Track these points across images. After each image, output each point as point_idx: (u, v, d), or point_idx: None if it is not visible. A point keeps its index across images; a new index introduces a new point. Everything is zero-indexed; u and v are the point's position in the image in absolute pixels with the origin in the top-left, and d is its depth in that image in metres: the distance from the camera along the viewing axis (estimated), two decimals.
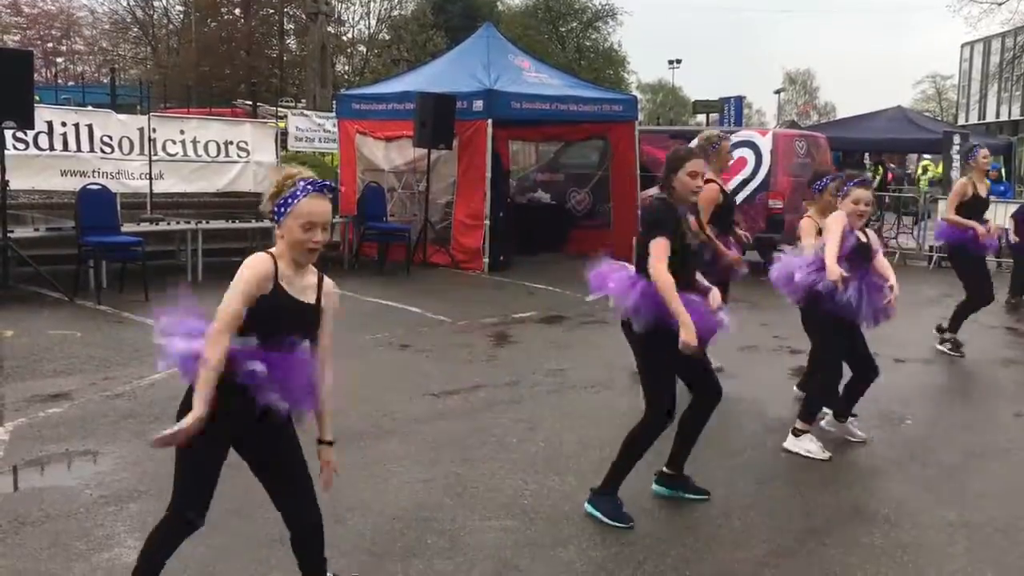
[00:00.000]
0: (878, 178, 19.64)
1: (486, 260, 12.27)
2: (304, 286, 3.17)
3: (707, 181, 6.82)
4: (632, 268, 4.38)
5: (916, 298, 11.26)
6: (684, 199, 4.37)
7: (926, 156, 22.02)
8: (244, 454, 3.24)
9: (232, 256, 12.62)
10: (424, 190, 12.60)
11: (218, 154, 12.54)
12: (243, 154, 12.71)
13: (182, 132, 12.23)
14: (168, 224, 11.04)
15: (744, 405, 6.29)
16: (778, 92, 57.73)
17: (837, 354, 5.40)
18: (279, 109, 16.55)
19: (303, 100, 21.74)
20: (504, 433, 5.59)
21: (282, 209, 3.08)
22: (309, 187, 3.09)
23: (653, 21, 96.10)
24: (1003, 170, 18.73)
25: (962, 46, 47.71)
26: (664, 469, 4.64)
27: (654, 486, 4.65)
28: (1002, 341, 8.13)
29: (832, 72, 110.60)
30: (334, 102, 15.42)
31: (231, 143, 12.63)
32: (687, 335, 4.04)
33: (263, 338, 3.04)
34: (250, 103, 18.08)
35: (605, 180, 14.60)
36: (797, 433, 5.37)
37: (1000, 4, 31.71)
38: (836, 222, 5.22)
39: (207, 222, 11.35)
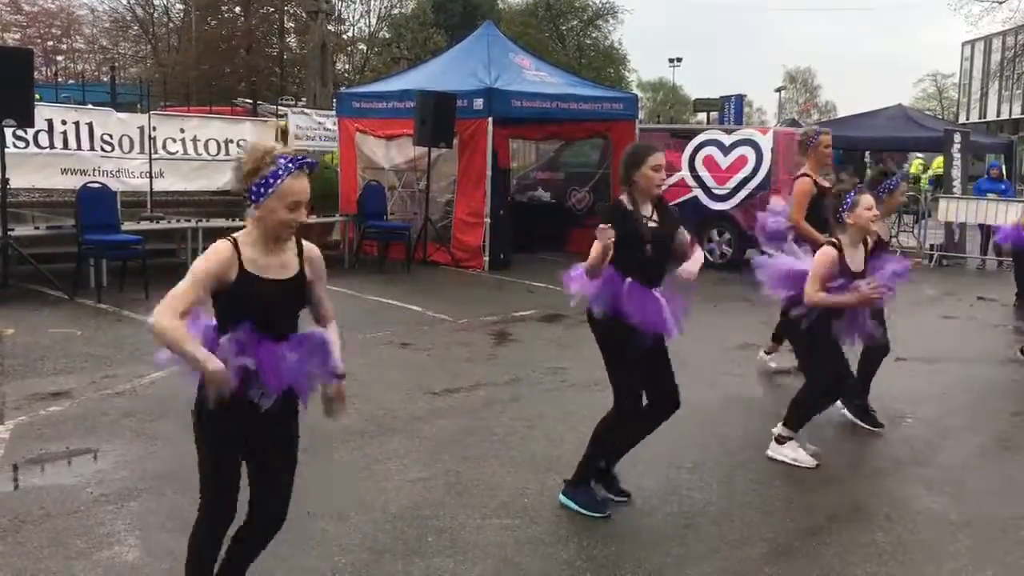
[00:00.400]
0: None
1: (486, 258, 12.27)
2: (281, 263, 3.03)
3: (801, 175, 6.84)
4: None
5: (917, 297, 11.25)
6: (648, 194, 4.33)
7: (918, 155, 21.87)
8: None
9: None
10: (424, 188, 12.60)
11: (218, 152, 12.54)
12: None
13: (182, 130, 12.23)
14: (168, 222, 11.04)
15: (744, 404, 6.29)
16: (779, 90, 57.70)
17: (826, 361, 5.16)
18: (279, 107, 16.53)
19: (303, 98, 21.73)
20: (505, 432, 5.59)
21: (263, 189, 2.90)
22: (291, 165, 2.91)
23: (654, 19, 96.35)
24: (1004, 168, 18.71)
25: (963, 44, 47.73)
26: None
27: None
28: (1005, 340, 8.12)
29: (833, 70, 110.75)
30: (334, 100, 15.42)
31: (231, 141, 12.63)
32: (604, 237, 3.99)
33: (254, 326, 2.94)
34: (250, 101, 18.08)
35: (606, 179, 14.58)
36: (781, 440, 5.20)
37: (1001, 3, 31.73)
38: (819, 263, 4.88)
39: (207, 220, 11.34)
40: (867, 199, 5.00)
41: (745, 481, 4.88)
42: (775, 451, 5.20)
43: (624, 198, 4.38)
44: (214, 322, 3.04)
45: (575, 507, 4.37)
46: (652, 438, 4.93)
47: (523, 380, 6.81)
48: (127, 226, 10.23)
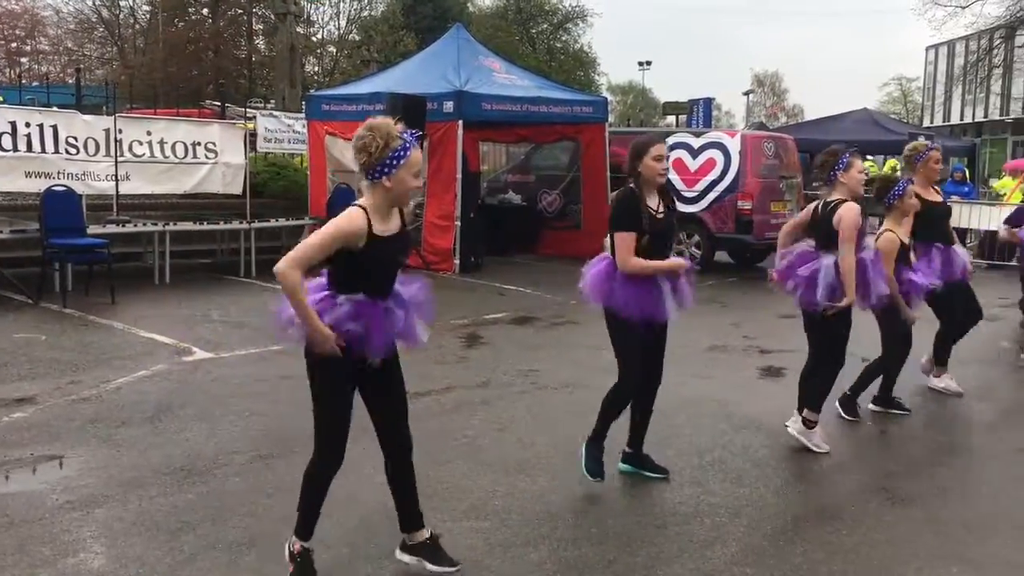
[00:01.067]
0: None
1: (457, 261, 12.26)
2: (393, 225, 3.48)
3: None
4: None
5: None
6: (651, 183, 4.58)
7: (868, 157, 21.74)
8: (361, 390, 3.61)
9: (200, 258, 12.55)
10: None
11: (186, 155, 12.41)
12: (211, 155, 12.60)
13: (149, 133, 12.09)
14: (135, 226, 10.93)
15: (712, 405, 6.33)
16: (747, 94, 58.16)
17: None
18: (248, 110, 16.43)
19: (272, 101, 21.60)
20: (475, 434, 5.58)
21: (396, 162, 3.32)
22: (413, 139, 3.38)
23: (623, 23, 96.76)
24: (967, 172, 19.01)
25: (927, 49, 48.25)
26: (625, 448, 4.99)
27: (619, 464, 4.96)
28: (971, 343, 8.18)
29: (800, 74, 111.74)
30: (303, 103, 15.34)
31: (199, 144, 12.51)
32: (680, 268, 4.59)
33: (370, 287, 3.40)
34: (218, 104, 17.95)
35: (576, 181, 14.65)
36: (809, 424, 5.42)
37: (964, 8, 32.09)
38: (855, 220, 5.14)
39: (175, 224, 11.26)
40: (860, 163, 5.28)
41: (714, 482, 4.91)
42: (797, 430, 5.45)
43: (633, 187, 4.60)
44: (323, 280, 3.45)
45: (581, 459, 4.69)
46: (621, 438, 4.96)
47: (494, 383, 6.82)
48: (93, 229, 10.12)
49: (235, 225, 11.86)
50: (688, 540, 4.18)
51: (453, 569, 3.73)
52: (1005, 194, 15.98)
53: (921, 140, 7.38)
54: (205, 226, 11.85)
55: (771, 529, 4.34)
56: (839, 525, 4.40)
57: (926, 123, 45.52)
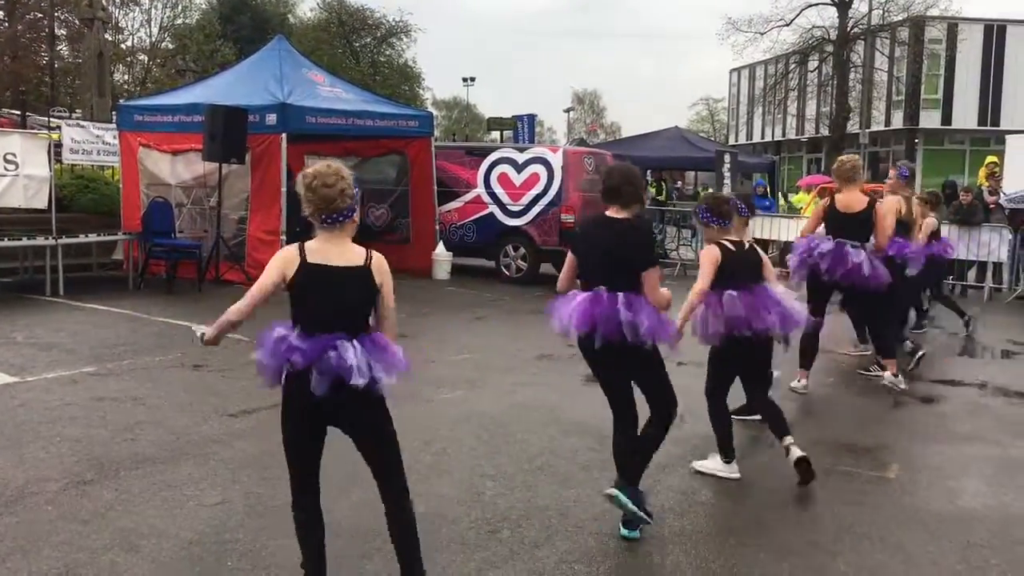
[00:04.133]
0: (660, 193, 20.71)
1: None
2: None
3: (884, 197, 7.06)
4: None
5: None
6: None
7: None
8: (346, 432, 3.69)
9: (1, 277, 11.69)
10: (215, 205, 12.17)
11: None
12: (11, 167, 11.74)
13: None
14: None
15: (542, 411, 6.51)
16: (567, 111, 60.08)
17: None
18: (51, 119, 15.46)
19: (78, 110, 20.41)
20: None
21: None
22: None
23: (447, 39, 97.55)
24: (768, 187, 20.38)
25: (730, 72, 51.43)
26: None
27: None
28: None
29: (617, 93, 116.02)
30: (114, 113, 14.60)
31: None
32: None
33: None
34: (18, 112, 16.81)
35: (404, 195, 14.67)
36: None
37: (762, 34, 34.59)
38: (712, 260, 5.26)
39: None
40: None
41: (545, 485, 5.06)
42: (701, 465, 5.44)
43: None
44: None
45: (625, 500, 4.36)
46: (454, 447, 5.03)
47: None
48: None
49: (39, 241, 11.14)
50: (519, 542, 4.30)
51: None
52: (802, 208, 17.26)
53: (855, 156, 7.93)
54: (6, 242, 11.05)
55: (598, 528, 4.52)
56: (662, 520, 4.64)
57: (731, 141, 48.45)
